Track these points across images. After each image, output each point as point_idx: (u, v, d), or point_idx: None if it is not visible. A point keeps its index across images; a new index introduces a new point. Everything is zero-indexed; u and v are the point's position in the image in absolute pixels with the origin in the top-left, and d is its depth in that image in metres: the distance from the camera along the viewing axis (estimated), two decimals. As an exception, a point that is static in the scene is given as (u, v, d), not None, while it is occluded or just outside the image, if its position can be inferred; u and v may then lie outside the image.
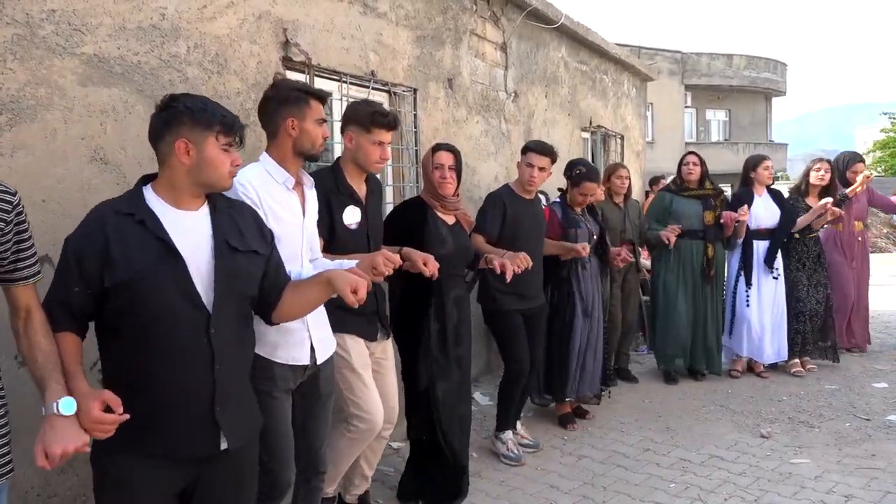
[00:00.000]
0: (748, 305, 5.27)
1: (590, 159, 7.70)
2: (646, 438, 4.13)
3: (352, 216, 2.69)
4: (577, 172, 4.12)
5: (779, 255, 5.32)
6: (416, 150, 4.40)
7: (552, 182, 4.45)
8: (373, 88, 4.06)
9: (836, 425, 4.27)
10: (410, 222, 3.12)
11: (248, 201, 2.10)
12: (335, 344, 2.54)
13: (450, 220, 3.21)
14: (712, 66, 24.54)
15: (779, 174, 23.36)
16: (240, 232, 1.85)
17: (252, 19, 3.22)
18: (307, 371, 2.37)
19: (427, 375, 3.13)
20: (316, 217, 2.45)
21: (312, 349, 2.34)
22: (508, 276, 3.07)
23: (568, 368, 4.18)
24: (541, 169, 3.70)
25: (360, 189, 2.77)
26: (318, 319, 2.40)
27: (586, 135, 7.48)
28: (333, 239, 2.64)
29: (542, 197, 3.89)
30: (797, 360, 5.40)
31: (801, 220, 5.31)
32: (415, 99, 4.43)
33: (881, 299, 6.89)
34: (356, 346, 2.76)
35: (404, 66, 4.31)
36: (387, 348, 2.98)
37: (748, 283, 5.26)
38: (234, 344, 1.82)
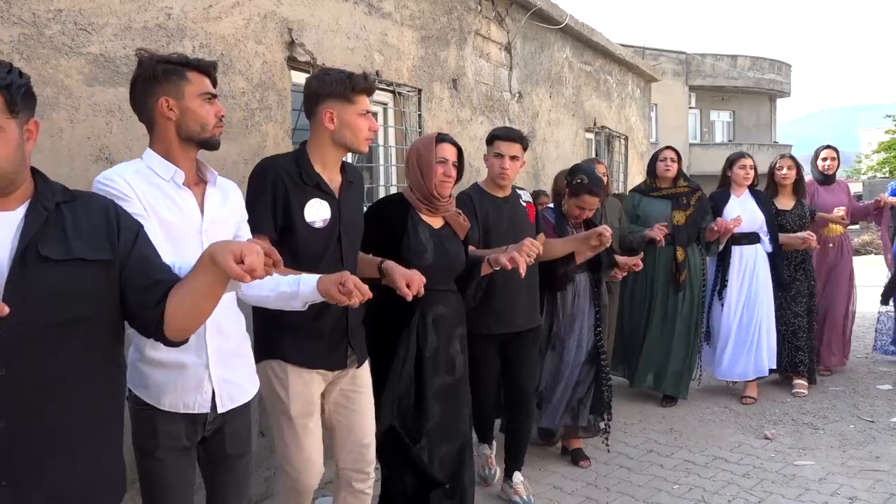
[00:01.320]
0: (722, 318, 4.80)
1: (594, 160, 7.70)
2: (649, 440, 4.12)
3: (317, 212, 2.23)
4: (578, 182, 3.53)
5: (761, 260, 4.78)
6: (420, 151, 4.40)
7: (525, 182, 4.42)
8: (377, 88, 4.06)
9: (840, 427, 4.26)
10: (387, 224, 2.64)
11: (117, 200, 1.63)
12: (255, 385, 2.00)
13: (436, 223, 2.73)
14: (716, 66, 24.53)
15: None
16: (65, 235, 1.38)
17: (257, 19, 3.23)
18: (209, 423, 1.83)
19: (391, 413, 2.58)
20: (233, 218, 1.96)
21: (214, 394, 1.81)
22: (522, 271, 2.63)
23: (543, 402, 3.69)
24: (512, 158, 3.13)
25: (333, 179, 2.30)
26: (229, 351, 1.86)
27: (590, 135, 7.47)
28: (289, 240, 2.18)
29: (522, 193, 3.39)
30: (802, 381, 4.97)
31: (782, 240, 4.82)
32: (419, 99, 4.43)
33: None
34: (298, 383, 2.22)
35: (409, 67, 4.31)
36: (360, 377, 2.41)
37: (720, 294, 4.79)
38: (49, 390, 1.36)
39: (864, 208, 5.62)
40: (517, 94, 5.64)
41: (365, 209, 2.71)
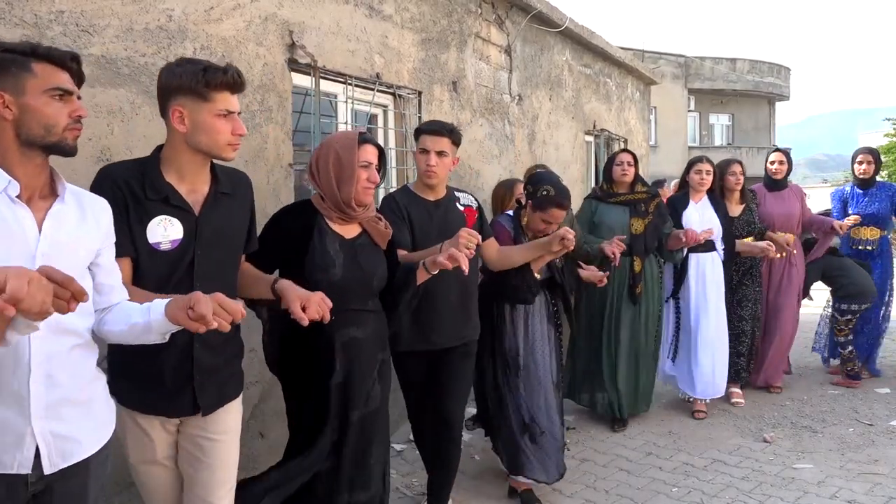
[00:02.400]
0: (677, 328, 4.65)
1: (593, 163, 7.71)
2: (648, 442, 4.13)
3: (163, 232, 1.86)
4: (544, 194, 3.18)
5: (718, 268, 4.63)
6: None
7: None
8: (378, 91, 4.07)
9: (839, 430, 4.26)
10: (287, 237, 2.32)
11: None
12: (103, 438, 1.65)
13: (349, 232, 2.38)
14: (716, 70, 24.56)
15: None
16: None
17: (258, 21, 3.24)
18: (31, 485, 1.51)
19: (297, 448, 2.32)
20: (89, 244, 1.62)
21: (39, 451, 1.50)
22: (465, 267, 2.31)
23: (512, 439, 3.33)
24: (439, 154, 2.82)
25: (195, 191, 1.93)
26: (62, 400, 1.53)
27: (590, 138, 7.49)
28: (138, 265, 1.86)
29: (461, 196, 3.07)
30: (737, 391, 4.89)
31: (739, 247, 4.69)
32: (419, 101, 4.44)
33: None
34: (134, 429, 1.95)
35: (409, 69, 4.32)
36: (217, 422, 2.01)
37: (670, 299, 4.63)
38: None
39: (820, 222, 5.16)
40: (517, 97, 5.65)
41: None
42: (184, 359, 1.91)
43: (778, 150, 5.35)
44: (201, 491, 2.00)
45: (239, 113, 1.91)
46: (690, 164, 4.77)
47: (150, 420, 1.93)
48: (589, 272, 3.74)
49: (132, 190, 1.84)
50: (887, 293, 5.35)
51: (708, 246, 4.58)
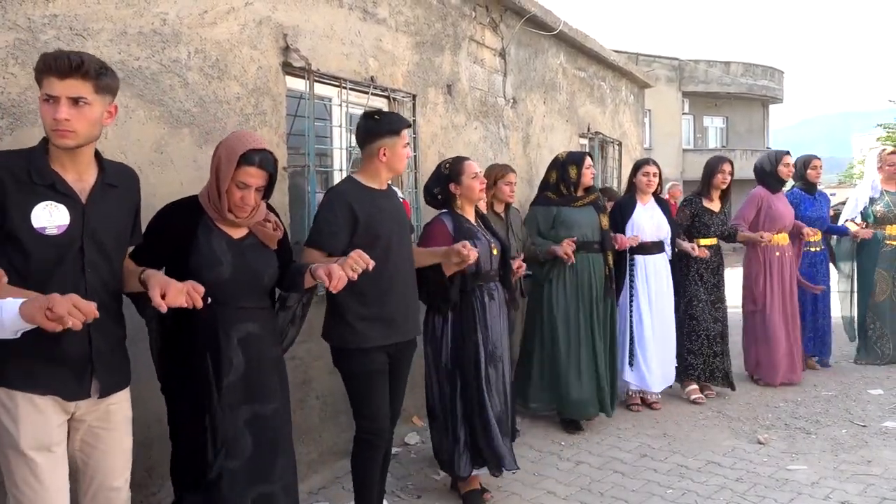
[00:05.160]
0: (631, 328, 4.70)
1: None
2: (643, 444, 4.13)
3: (49, 217, 1.88)
4: (446, 167, 3.38)
5: (665, 269, 4.77)
6: (416, 156, 4.41)
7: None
8: (372, 94, 4.08)
9: (832, 432, 4.28)
10: (171, 233, 2.27)
11: None
12: None
13: (237, 232, 2.35)
14: (710, 73, 24.65)
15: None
16: None
17: (252, 25, 3.24)
18: None
19: (191, 448, 2.28)
20: None
21: None
22: (335, 286, 2.22)
23: (491, 434, 3.24)
24: (405, 146, 2.91)
25: (81, 180, 1.95)
26: None
27: (584, 141, 7.50)
28: (11, 251, 1.87)
29: (397, 190, 3.15)
30: (694, 386, 4.94)
31: (742, 237, 5.10)
32: (414, 105, 4.45)
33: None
34: (30, 412, 1.89)
35: (403, 72, 4.33)
36: (114, 413, 2.06)
37: (616, 300, 4.61)
38: None
39: (797, 227, 5.38)
40: (511, 100, 5.67)
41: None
42: (82, 340, 1.94)
43: (788, 153, 5.41)
44: (104, 480, 2.06)
45: (79, 100, 1.84)
46: (637, 167, 4.84)
47: (47, 401, 1.91)
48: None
49: (14, 174, 1.87)
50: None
51: (659, 247, 4.76)
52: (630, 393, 4.81)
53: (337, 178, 4.01)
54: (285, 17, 3.42)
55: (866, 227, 5.81)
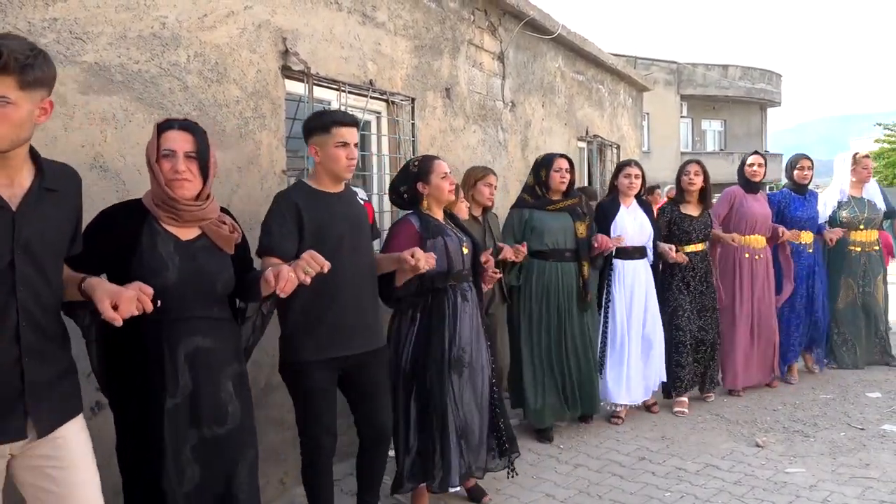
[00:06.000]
0: (605, 335, 4.49)
1: (586, 169, 7.74)
2: (641, 447, 4.14)
3: None
4: (414, 165, 3.23)
5: (646, 275, 4.58)
6: (414, 159, 4.41)
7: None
8: (371, 97, 4.09)
9: (830, 435, 4.28)
10: (112, 237, 2.08)
11: None
12: None
13: (186, 234, 2.15)
14: (708, 76, 24.72)
15: (772, 185, 23.48)
16: None
17: (252, 28, 3.25)
18: None
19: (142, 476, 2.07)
20: None
21: None
22: (283, 288, 1.99)
23: (446, 451, 3.05)
24: (356, 146, 2.72)
25: (13, 184, 1.71)
26: None
27: (583, 144, 7.52)
28: None
29: (358, 191, 3.00)
30: (682, 399, 4.76)
31: (714, 235, 4.86)
32: (413, 108, 4.46)
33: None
34: None
35: (402, 76, 4.34)
36: (64, 447, 1.77)
37: (601, 309, 4.49)
38: None
39: (774, 230, 5.23)
40: (510, 103, 5.68)
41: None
42: (11, 375, 1.68)
43: (756, 153, 5.37)
44: None
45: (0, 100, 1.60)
46: (619, 168, 4.69)
47: None
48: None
49: None
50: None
51: (641, 252, 4.57)
52: (607, 405, 4.57)
53: (336, 182, 4.02)
54: (284, 20, 3.43)
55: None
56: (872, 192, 5.81)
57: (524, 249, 3.92)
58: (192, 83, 2.97)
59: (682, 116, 24.60)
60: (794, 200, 5.47)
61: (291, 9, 3.46)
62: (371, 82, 4.03)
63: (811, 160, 5.59)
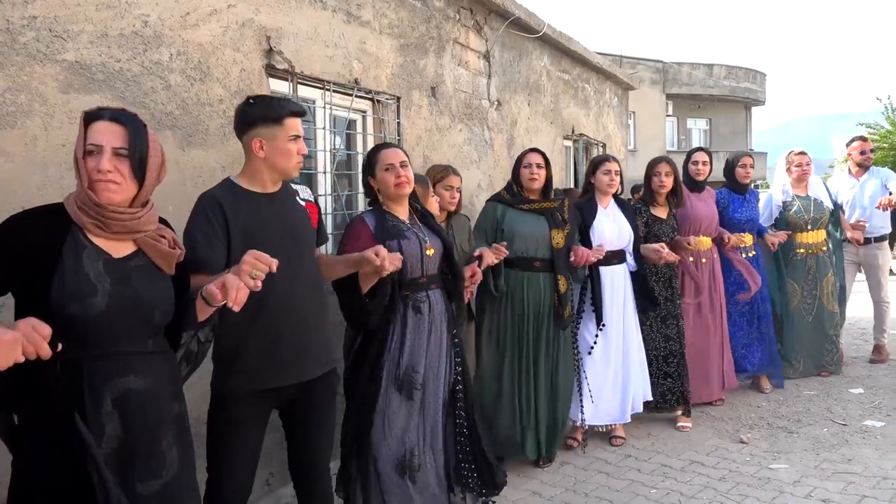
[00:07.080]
0: (591, 353, 4.01)
1: (572, 167, 7.77)
2: (627, 445, 4.15)
3: None
4: (371, 155, 2.87)
5: (625, 281, 4.15)
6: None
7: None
8: (356, 96, 4.08)
9: (813, 430, 4.32)
10: (28, 248, 1.63)
11: None
12: None
13: (119, 250, 1.72)
14: (693, 75, 24.86)
15: (759, 182, 23.66)
16: None
17: (235, 27, 3.23)
18: None
19: None
20: None
21: None
22: (235, 299, 1.71)
23: (367, 485, 2.71)
24: (291, 138, 2.29)
25: None
26: None
27: (569, 143, 7.54)
28: None
29: (300, 189, 2.59)
30: (678, 413, 4.44)
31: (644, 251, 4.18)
32: (398, 107, 4.45)
33: (858, 306, 6.97)
34: None
35: (388, 75, 4.33)
36: None
37: (598, 324, 3.99)
38: None
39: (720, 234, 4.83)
40: (496, 102, 5.68)
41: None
42: None
43: (701, 149, 5.02)
44: None
45: None
46: (596, 164, 4.17)
47: None
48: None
49: None
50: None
51: (621, 256, 4.13)
52: (599, 428, 4.13)
53: (321, 182, 4.01)
54: (268, 19, 3.41)
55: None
56: (818, 189, 5.50)
57: (503, 248, 3.48)
58: (174, 82, 2.95)
59: (667, 115, 24.71)
60: (733, 201, 5.06)
61: (275, 7, 3.45)
62: (356, 81, 4.02)
63: (753, 158, 5.26)
